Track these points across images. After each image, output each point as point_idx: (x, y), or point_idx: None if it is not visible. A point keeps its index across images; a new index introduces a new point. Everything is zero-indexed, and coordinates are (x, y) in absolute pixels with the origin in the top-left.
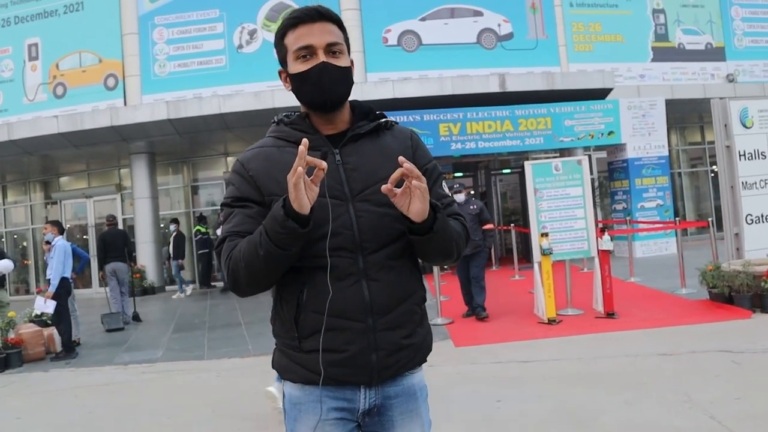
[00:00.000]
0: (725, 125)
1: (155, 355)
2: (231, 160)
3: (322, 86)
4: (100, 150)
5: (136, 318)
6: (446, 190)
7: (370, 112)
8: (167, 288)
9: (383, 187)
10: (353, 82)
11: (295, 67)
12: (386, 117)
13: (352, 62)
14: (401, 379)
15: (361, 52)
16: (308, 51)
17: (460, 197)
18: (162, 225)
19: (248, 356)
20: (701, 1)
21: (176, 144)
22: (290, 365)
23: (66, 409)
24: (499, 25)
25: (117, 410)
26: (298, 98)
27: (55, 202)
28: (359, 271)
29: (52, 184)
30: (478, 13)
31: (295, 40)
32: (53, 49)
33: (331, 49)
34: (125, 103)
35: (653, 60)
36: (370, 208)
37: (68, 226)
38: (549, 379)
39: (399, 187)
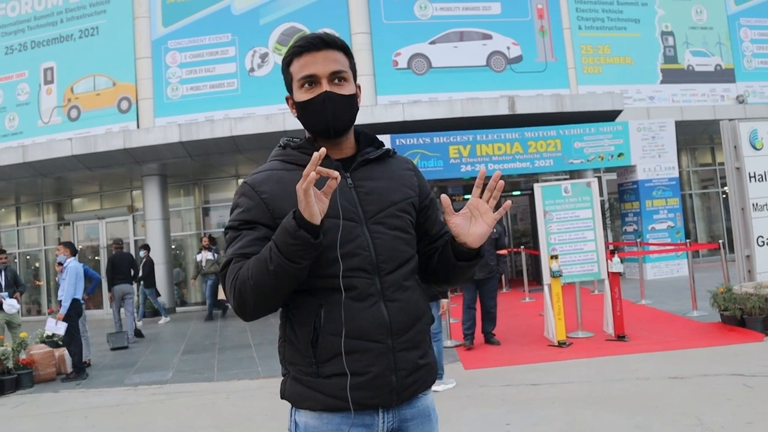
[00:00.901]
0: (735, 147)
1: (165, 377)
2: (242, 182)
3: (325, 115)
4: (113, 172)
5: (138, 334)
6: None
7: (374, 139)
8: (177, 309)
9: (442, 197)
10: (358, 109)
11: (300, 95)
12: (384, 145)
13: (359, 87)
14: (416, 401)
15: (371, 75)
16: (312, 80)
17: None
18: (174, 246)
19: (258, 378)
20: (710, 23)
21: (188, 166)
22: (307, 392)
23: (76, 430)
24: (508, 48)
25: (127, 431)
26: (303, 125)
27: (68, 224)
28: (377, 292)
29: (65, 206)
30: (487, 37)
31: (299, 68)
32: (68, 72)
33: (335, 77)
34: (138, 126)
35: (662, 82)
36: (385, 230)
37: (80, 247)
38: (559, 402)
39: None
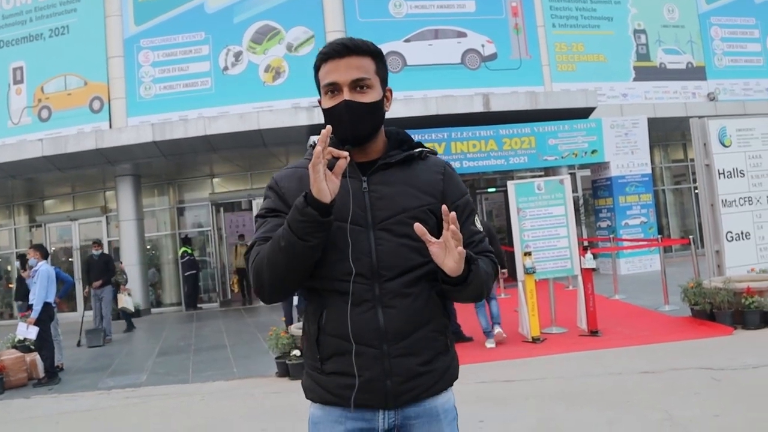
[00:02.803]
0: (704, 144)
1: (139, 380)
2: (217, 181)
3: (345, 124)
4: (86, 173)
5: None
6: (479, 225)
7: (405, 141)
8: (153, 310)
9: (416, 226)
10: (383, 115)
11: (324, 102)
12: (423, 147)
13: (390, 91)
14: (422, 401)
15: None
16: (334, 87)
17: None
18: (149, 247)
19: (233, 379)
20: (681, 21)
21: (162, 166)
22: (313, 386)
23: None
24: (482, 46)
25: None
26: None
27: (40, 225)
28: (375, 298)
29: (37, 207)
30: (462, 35)
31: (324, 75)
32: (38, 72)
33: (356, 85)
34: (110, 126)
35: (635, 79)
36: (390, 237)
37: (53, 249)
38: (532, 398)
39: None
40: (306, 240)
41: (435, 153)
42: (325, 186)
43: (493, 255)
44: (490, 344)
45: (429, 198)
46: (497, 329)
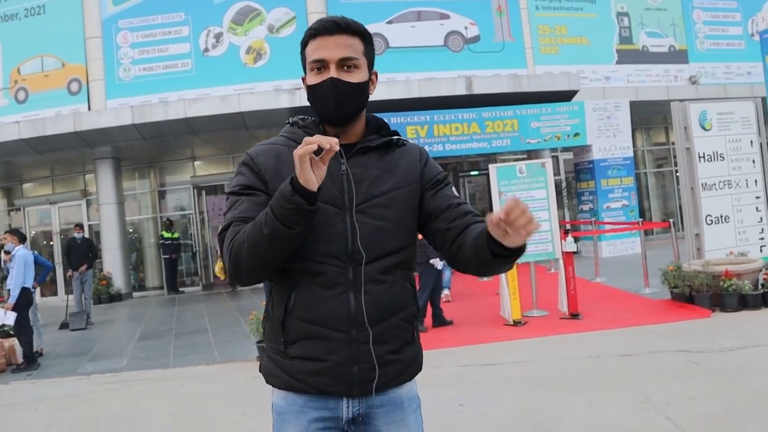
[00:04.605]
0: (685, 128)
1: (119, 365)
2: (198, 164)
3: (330, 102)
4: (64, 156)
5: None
6: (454, 192)
7: (383, 127)
8: (134, 294)
9: (492, 218)
10: (367, 97)
11: (310, 78)
12: (399, 135)
13: (375, 74)
14: (387, 390)
15: None
16: (321, 64)
17: None
18: (131, 230)
19: (214, 363)
20: (664, 4)
21: (142, 149)
22: (275, 370)
23: (24, 423)
24: (465, 28)
25: (77, 423)
26: (312, 108)
27: (19, 209)
28: (347, 282)
29: (15, 191)
30: (445, 16)
31: (312, 51)
32: (14, 53)
33: (344, 63)
34: (89, 108)
35: (618, 62)
36: (368, 220)
37: (33, 233)
38: (512, 381)
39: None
40: (292, 228)
41: (409, 141)
42: (313, 175)
43: (480, 217)
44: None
45: (408, 181)
46: (445, 291)
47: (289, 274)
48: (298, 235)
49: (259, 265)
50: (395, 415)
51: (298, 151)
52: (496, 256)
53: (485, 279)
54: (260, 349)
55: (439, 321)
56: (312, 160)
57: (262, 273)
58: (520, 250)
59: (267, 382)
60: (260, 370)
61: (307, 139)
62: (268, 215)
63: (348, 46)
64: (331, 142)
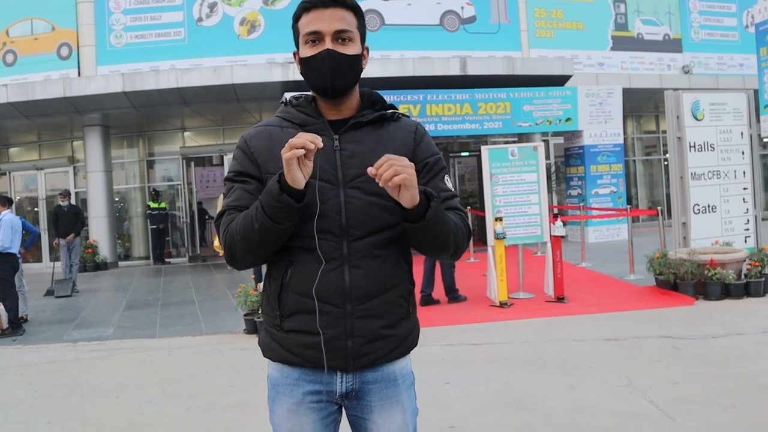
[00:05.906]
0: (677, 117)
1: (105, 333)
2: (188, 135)
3: (326, 73)
4: (53, 121)
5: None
6: (449, 184)
7: (377, 101)
8: (120, 264)
9: (368, 170)
10: (361, 70)
11: (304, 51)
12: (395, 109)
13: (367, 49)
14: (380, 365)
15: None
16: (316, 36)
17: None
18: (117, 199)
19: (200, 335)
20: None
21: (132, 117)
22: (271, 343)
23: (10, 387)
24: (462, 8)
25: (63, 389)
26: (305, 82)
27: (5, 174)
28: (342, 257)
29: (1, 155)
30: None
31: (306, 24)
32: (3, 15)
33: (339, 36)
34: (79, 74)
35: (612, 48)
36: (361, 195)
37: (18, 198)
38: (497, 362)
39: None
40: (281, 223)
41: (407, 116)
42: (300, 175)
43: (464, 215)
44: None
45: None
46: None
47: (286, 250)
48: (287, 229)
49: (252, 254)
50: (388, 391)
51: (285, 154)
52: (405, 221)
53: (452, 260)
54: (247, 322)
55: (427, 300)
56: (299, 159)
57: (256, 261)
58: (420, 210)
59: (264, 356)
60: (258, 344)
61: (291, 142)
62: (258, 210)
63: (342, 19)
64: (315, 141)
